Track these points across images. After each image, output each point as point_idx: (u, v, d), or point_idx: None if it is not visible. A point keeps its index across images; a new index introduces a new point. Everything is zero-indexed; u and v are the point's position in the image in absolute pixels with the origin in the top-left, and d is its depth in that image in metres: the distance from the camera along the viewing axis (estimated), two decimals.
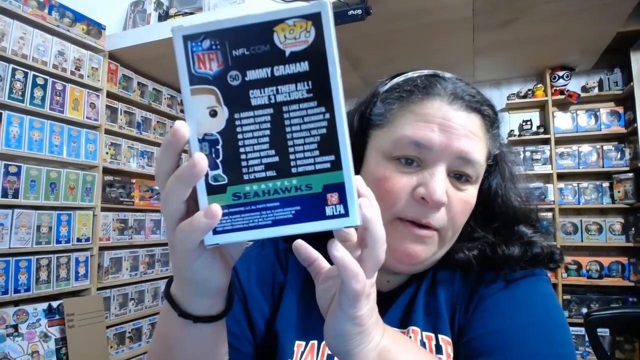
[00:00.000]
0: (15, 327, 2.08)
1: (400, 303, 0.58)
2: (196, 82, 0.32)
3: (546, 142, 3.29)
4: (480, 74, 3.44)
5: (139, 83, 2.97)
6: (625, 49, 2.99)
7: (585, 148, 3.19)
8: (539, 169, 3.20)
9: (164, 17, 2.88)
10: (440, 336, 0.54)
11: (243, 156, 0.33)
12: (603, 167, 3.13)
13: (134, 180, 2.90)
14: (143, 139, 2.98)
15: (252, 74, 0.32)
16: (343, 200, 0.32)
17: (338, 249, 0.33)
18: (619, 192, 3.05)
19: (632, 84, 2.95)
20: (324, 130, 0.32)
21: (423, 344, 0.54)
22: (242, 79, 0.32)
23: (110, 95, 2.71)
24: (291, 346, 0.56)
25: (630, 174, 3.02)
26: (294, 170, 0.32)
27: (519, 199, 0.61)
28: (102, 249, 2.61)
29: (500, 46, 2.84)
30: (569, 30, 2.60)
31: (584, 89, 3.27)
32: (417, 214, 0.52)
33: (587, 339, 2.60)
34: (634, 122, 2.94)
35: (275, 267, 0.64)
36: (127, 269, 2.76)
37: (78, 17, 2.52)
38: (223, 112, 0.32)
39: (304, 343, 0.56)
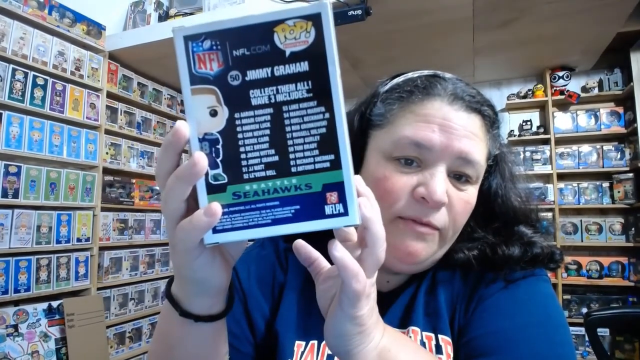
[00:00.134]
0: (15, 327, 2.08)
1: (400, 303, 0.58)
2: (197, 82, 0.33)
3: (546, 142, 3.29)
4: (480, 74, 3.44)
5: (139, 83, 2.97)
6: (625, 49, 2.99)
7: (585, 148, 3.19)
8: (539, 169, 3.20)
9: (164, 17, 2.88)
10: (440, 336, 0.54)
11: (243, 155, 0.33)
12: (603, 167, 3.13)
13: (134, 181, 2.90)
14: (143, 139, 2.98)
15: (253, 74, 0.32)
16: (342, 199, 0.32)
17: (338, 249, 0.33)
18: (619, 192, 3.05)
19: (632, 84, 2.95)
20: (323, 130, 0.32)
21: (423, 344, 0.54)
22: (243, 78, 0.32)
23: (110, 95, 2.71)
24: (291, 346, 0.56)
25: (630, 174, 3.02)
26: (293, 169, 0.32)
27: (519, 199, 0.61)
28: (102, 249, 2.61)
29: (500, 46, 2.85)
30: (569, 31, 2.60)
31: (584, 89, 3.27)
32: (417, 213, 0.52)
33: (587, 339, 2.60)
34: (634, 122, 2.94)
35: (275, 267, 0.64)
36: (127, 269, 2.76)
37: (78, 18, 2.52)
38: (223, 112, 0.33)
39: (304, 343, 0.56)
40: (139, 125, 2.96)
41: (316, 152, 0.32)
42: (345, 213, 0.32)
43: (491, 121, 0.56)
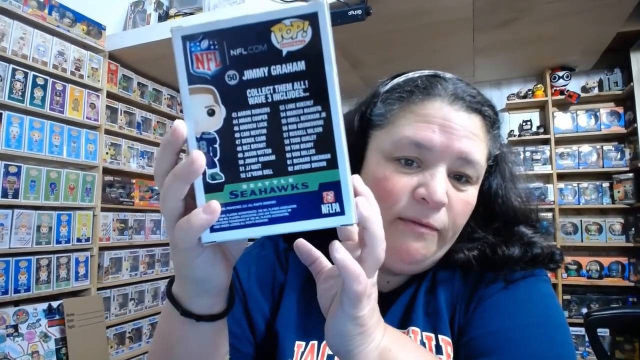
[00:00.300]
0: (15, 327, 2.08)
1: (400, 303, 0.58)
2: (194, 81, 0.33)
3: (546, 142, 3.29)
4: (480, 74, 3.44)
5: (139, 83, 2.97)
6: (625, 49, 2.99)
7: (585, 148, 3.19)
8: (539, 169, 3.20)
9: (164, 17, 2.88)
10: (440, 336, 0.54)
11: (240, 155, 0.33)
12: (603, 167, 3.13)
13: (134, 181, 2.90)
14: (143, 139, 2.98)
15: (250, 74, 0.32)
16: (339, 198, 0.32)
17: (339, 251, 0.33)
18: (619, 192, 3.05)
19: (632, 84, 2.95)
20: (320, 129, 0.32)
21: (423, 344, 0.54)
22: (240, 78, 0.32)
23: (110, 95, 2.71)
24: (291, 346, 0.56)
25: (630, 174, 3.02)
26: (290, 168, 0.32)
27: (519, 200, 0.61)
28: (102, 249, 2.61)
29: (500, 46, 2.85)
30: (569, 31, 2.60)
31: (584, 89, 3.27)
32: (417, 214, 0.52)
33: (587, 339, 2.60)
34: (634, 122, 2.94)
35: (276, 267, 0.64)
36: (127, 269, 2.76)
37: (78, 17, 2.52)
38: (221, 111, 0.33)
39: (304, 343, 0.56)
40: (139, 125, 2.96)
41: (313, 151, 0.32)
42: (342, 212, 0.32)
43: (491, 121, 0.56)
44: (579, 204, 3.16)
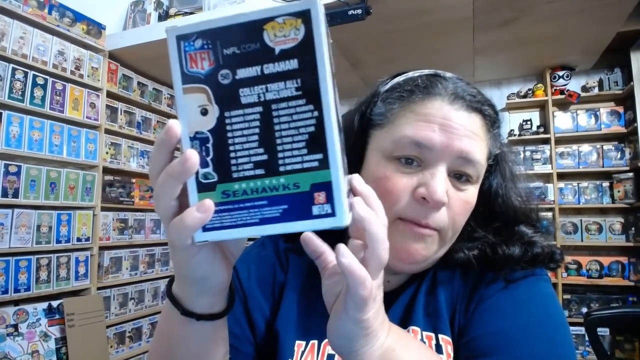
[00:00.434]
0: (15, 326, 2.08)
1: (401, 303, 0.58)
2: (188, 81, 0.33)
3: (546, 141, 3.29)
4: (480, 74, 3.44)
5: (139, 83, 2.97)
6: (625, 49, 2.99)
7: (585, 148, 3.19)
8: (539, 168, 3.20)
9: (164, 17, 2.88)
10: (440, 336, 0.54)
11: (232, 154, 0.33)
12: (603, 166, 3.13)
13: (134, 180, 2.90)
14: (143, 139, 2.98)
15: (242, 73, 0.32)
16: (330, 199, 0.31)
17: (345, 256, 0.33)
18: (619, 191, 3.05)
19: (632, 83, 2.95)
20: (312, 129, 0.31)
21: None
22: (233, 77, 0.32)
23: (110, 95, 2.71)
24: (291, 346, 0.56)
25: (630, 174, 3.02)
26: (282, 168, 0.32)
27: (519, 199, 0.60)
28: (102, 248, 2.61)
29: (500, 46, 2.84)
30: (569, 30, 2.60)
31: (584, 88, 3.27)
32: (417, 214, 0.52)
33: (587, 338, 2.60)
34: (634, 121, 2.94)
35: (276, 267, 0.64)
36: (127, 269, 2.76)
37: (78, 17, 2.52)
38: (214, 111, 0.33)
39: (304, 343, 0.56)
40: (139, 125, 2.96)
41: (304, 151, 0.31)
42: (333, 214, 0.31)
43: (492, 121, 0.56)
44: (579, 204, 3.16)
